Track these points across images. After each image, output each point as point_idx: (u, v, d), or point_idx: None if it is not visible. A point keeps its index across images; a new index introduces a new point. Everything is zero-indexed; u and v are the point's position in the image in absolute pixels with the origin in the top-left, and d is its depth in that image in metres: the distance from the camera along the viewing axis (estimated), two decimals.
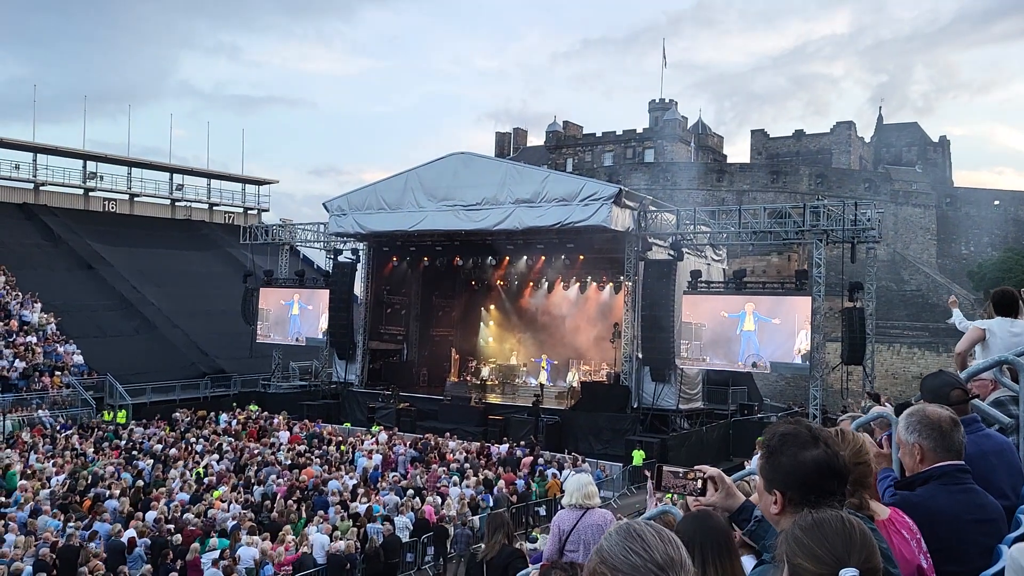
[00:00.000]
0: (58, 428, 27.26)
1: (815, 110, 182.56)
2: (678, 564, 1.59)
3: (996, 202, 67.77)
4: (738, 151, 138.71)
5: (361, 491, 19.73)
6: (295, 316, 36.17)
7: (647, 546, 1.60)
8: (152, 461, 22.71)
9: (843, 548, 1.76)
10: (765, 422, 28.77)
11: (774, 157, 73.63)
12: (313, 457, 23.63)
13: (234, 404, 32.72)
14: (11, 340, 32.25)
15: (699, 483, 2.61)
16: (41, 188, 48.00)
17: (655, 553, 1.59)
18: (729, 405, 30.70)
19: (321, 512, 17.50)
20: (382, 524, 16.72)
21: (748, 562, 2.82)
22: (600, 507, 5.81)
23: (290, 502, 18.12)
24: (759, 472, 2.28)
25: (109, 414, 30.22)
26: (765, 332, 26.27)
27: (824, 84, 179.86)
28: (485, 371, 33.80)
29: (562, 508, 5.86)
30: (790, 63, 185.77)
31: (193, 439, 26.02)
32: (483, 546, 8.08)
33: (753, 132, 78.94)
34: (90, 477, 20.08)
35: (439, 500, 19.09)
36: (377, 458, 23.50)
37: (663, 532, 1.66)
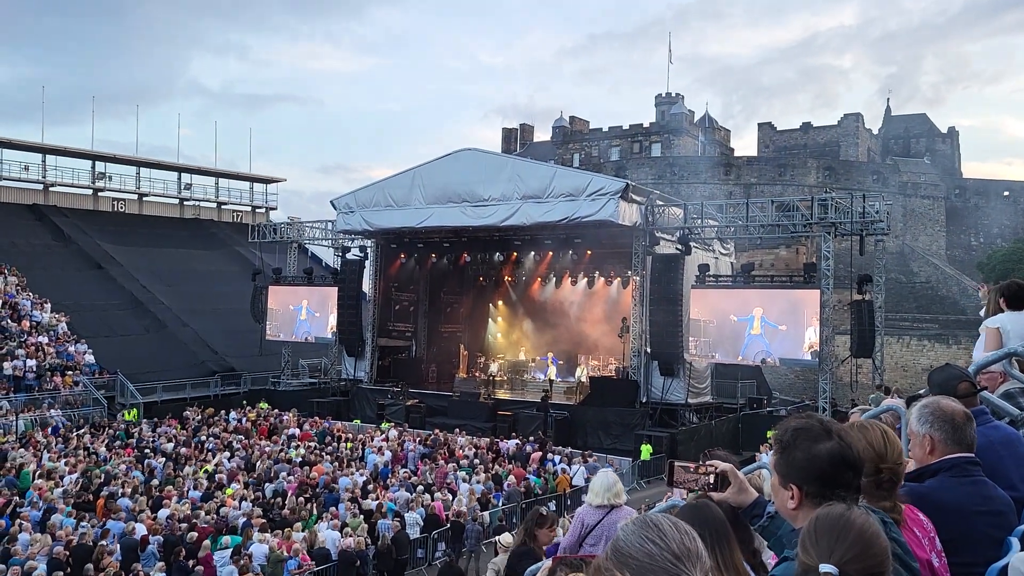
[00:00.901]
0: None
1: (824, 102, 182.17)
2: (695, 555, 1.60)
3: (1006, 193, 67.38)
4: (746, 144, 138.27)
5: (371, 487, 19.81)
6: (303, 321, 36.28)
7: (664, 535, 1.61)
8: (164, 459, 22.84)
9: (828, 544, 1.76)
10: (775, 415, 28.73)
11: (781, 150, 73.34)
12: (323, 454, 23.71)
13: (244, 402, 32.86)
14: (23, 340, 32.45)
15: (711, 478, 2.62)
16: (50, 189, 48.23)
17: (672, 543, 1.59)
18: (738, 399, 30.67)
19: (332, 509, 17.58)
20: (392, 520, 16.79)
21: None
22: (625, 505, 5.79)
23: (301, 499, 18.20)
24: (773, 468, 2.28)
25: (129, 413, 30.44)
26: (774, 330, 26.22)
27: (833, 76, 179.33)
28: (494, 367, 33.83)
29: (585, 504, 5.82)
30: (798, 55, 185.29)
31: (204, 437, 26.15)
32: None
33: (760, 125, 78.68)
34: (103, 476, 20.20)
35: (449, 496, 19.14)
36: (387, 454, 23.57)
37: (680, 524, 1.66)
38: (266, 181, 60.27)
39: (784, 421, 2.33)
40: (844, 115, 75.42)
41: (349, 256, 35.76)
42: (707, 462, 2.68)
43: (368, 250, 35.32)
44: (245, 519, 16.40)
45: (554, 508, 20.27)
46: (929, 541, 2.46)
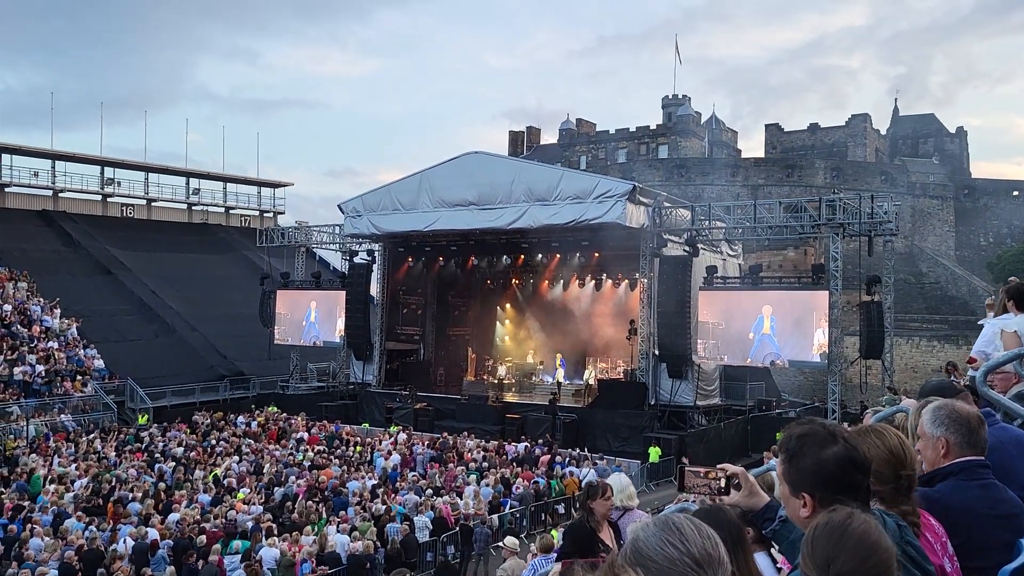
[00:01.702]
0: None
1: (832, 103, 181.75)
2: (716, 561, 1.56)
3: (1015, 192, 67.03)
4: (754, 146, 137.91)
5: (380, 491, 19.83)
6: (312, 324, 36.37)
7: (685, 539, 1.57)
8: (174, 464, 22.91)
9: (825, 553, 1.72)
10: (784, 418, 28.62)
11: (789, 151, 73.17)
12: (332, 458, 23.76)
13: (253, 406, 32.96)
14: (33, 346, 32.60)
15: (722, 482, 2.60)
16: (60, 195, 48.48)
17: (692, 547, 1.56)
18: (747, 401, 30.56)
19: (341, 512, 17.60)
20: (400, 524, 16.81)
21: (761, 559, 2.80)
22: (638, 508, 5.75)
23: (310, 503, 18.23)
24: (782, 478, 2.25)
25: (142, 417, 30.58)
26: (783, 332, 26.16)
27: (841, 76, 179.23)
28: (502, 370, 33.82)
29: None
30: (806, 56, 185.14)
31: (214, 441, 26.23)
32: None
33: (767, 126, 78.54)
34: (113, 480, 20.27)
35: (458, 500, 19.14)
36: (395, 458, 23.59)
37: (702, 527, 1.63)
38: (274, 185, 60.46)
39: (787, 429, 2.30)
40: (852, 115, 75.22)
41: (357, 260, 35.84)
42: (718, 466, 2.66)
43: (376, 254, 35.36)
44: (254, 523, 16.44)
45: (563, 511, 20.29)
46: (941, 546, 2.44)
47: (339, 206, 34.14)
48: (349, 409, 32.83)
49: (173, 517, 16.88)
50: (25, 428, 27.14)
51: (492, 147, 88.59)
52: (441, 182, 30.98)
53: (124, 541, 15.10)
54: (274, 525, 16.41)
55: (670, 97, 78.53)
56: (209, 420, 29.75)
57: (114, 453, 24.21)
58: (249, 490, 20.03)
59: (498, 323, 37.56)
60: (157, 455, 24.20)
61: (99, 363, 33.71)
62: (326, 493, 19.49)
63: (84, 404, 30.86)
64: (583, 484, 21.37)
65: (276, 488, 20.29)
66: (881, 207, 26.74)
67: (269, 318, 37.18)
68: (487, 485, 20.46)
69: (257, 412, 31.38)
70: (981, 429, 2.88)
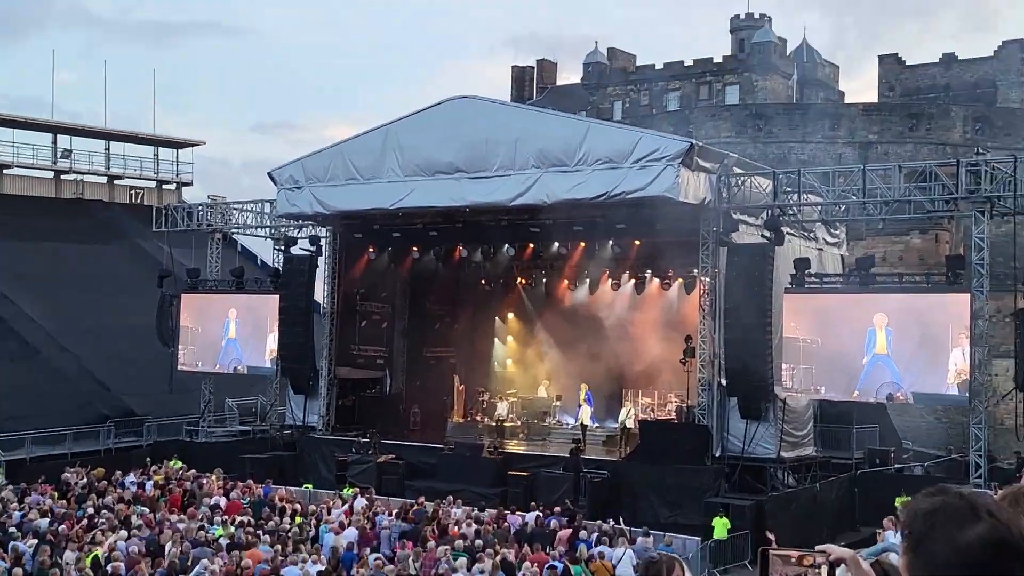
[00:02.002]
0: None
1: (975, 25, 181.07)
2: None
3: None
4: (862, 86, 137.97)
5: None
6: (232, 340, 36.43)
7: None
8: (35, 542, 22.95)
9: None
10: (906, 476, 28.62)
11: (913, 94, 73.18)
12: (260, 533, 23.80)
13: (148, 460, 32.99)
14: None
15: (823, 571, 2.60)
16: None
17: None
18: (853, 452, 30.57)
19: None
20: None
21: None
22: None
23: None
24: (906, 572, 2.25)
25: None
26: (904, 352, 26.13)
27: None
28: (502, 407, 33.88)
29: None
30: None
31: (92, 510, 26.28)
32: None
33: (882, 59, 78.48)
34: None
35: None
36: (351, 533, 23.64)
37: None
38: (177, 145, 60.67)
39: (910, 504, 2.28)
40: (1003, 42, 75.12)
41: (295, 251, 35.89)
42: (816, 548, 2.66)
43: (323, 242, 35.48)
44: None
45: None
46: None
47: (270, 174, 34.24)
48: (285, 463, 32.94)
49: None
50: None
51: (488, 90, 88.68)
52: (415, 139, 31.06)
53: None
54: None
55: (742, 17, 78.70)
56: (86, 479, 29.82)
57: None
58: None
59: (497, 341, 37.65)
60: (12, 529, 24.25)
61: None
62: None
63: None
64: (621, 567, 21.41)
65: None
66: None
67: (170, 333, 37.25)
68: (482, 572, 20.50)
69: (154, 468, 31.43)
70: None
